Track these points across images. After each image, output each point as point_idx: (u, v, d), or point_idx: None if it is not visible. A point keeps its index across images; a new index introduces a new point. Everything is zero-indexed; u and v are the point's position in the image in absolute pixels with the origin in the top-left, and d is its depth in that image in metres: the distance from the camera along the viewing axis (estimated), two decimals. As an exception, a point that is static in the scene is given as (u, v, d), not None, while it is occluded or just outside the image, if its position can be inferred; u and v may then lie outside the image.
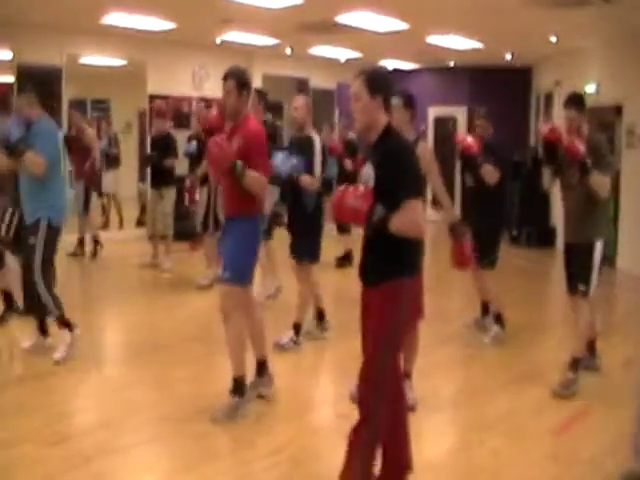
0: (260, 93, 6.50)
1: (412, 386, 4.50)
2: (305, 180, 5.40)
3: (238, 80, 4.21)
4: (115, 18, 9.29)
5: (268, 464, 3.77)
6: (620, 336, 6.60)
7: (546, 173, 5.12)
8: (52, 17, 9.39)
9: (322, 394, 5.19)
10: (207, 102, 9.15)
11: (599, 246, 4.87)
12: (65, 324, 5.26)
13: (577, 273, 4.95)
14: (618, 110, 10.08)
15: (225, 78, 4.24)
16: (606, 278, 6.73)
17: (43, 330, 5.47)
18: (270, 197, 6.29)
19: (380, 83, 3.18)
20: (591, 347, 5.34)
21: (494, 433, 4.32)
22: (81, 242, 9.53)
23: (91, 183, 9.41)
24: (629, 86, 9.58)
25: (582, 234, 4.90)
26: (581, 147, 4.62)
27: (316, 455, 3.91)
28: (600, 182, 4.65)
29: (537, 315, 7.51)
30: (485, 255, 5.92)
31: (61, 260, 9.01)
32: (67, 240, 9.49)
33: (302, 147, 5.47)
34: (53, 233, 5.18)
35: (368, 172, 3.16)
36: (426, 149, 4.67)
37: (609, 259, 7.90)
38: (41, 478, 3.59)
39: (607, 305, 7.51)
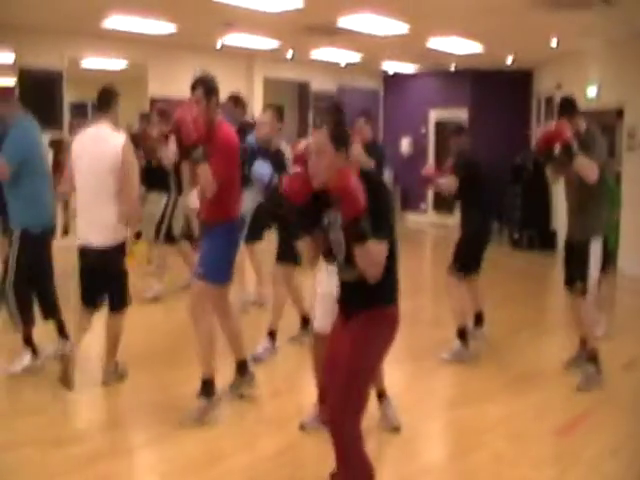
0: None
1: (391, 403, 4.37)
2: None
3: (206, 88, 4.21)
4: (116, 21, 9.31)
5: (271, 466, 3.78)
6: (621, 338, 6.59)
7: (548, 170, 5.23)
8: (53, 20, 9.41)
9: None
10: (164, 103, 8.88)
11: (595, 243, 4.92)
12: (29, 344, 5.08)
13: (574, 270, 5.03)
14: (619, 113, 10.08)
15: (193, 87, 4.22)
16: (608, 280, 6.73)
17: (63, 334, 5.31)
18: (251, 201, 6.29)
19: (344, 133, 3.02)
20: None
21: (495, 435, 4.31)
22: None
23: None
24: (630, 89, 9.58)
25: (579, 231, 4.98)
26: (567, 131, 4.69)
27: (319, 457, 3.89)
28: (586, 164, 4.65)
29: (538, 317, 7.51)
30: (461, 261, 5.83)
31: (70, 265, 9.11)
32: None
33: (274, 162, 5.26)
34: (30, 241, 4.91)
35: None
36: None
37: (612, 259, 7.87)
38: (43, 480, 3.59)
39: (609, 307, 7.50)
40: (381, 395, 4.29)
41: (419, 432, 4.43)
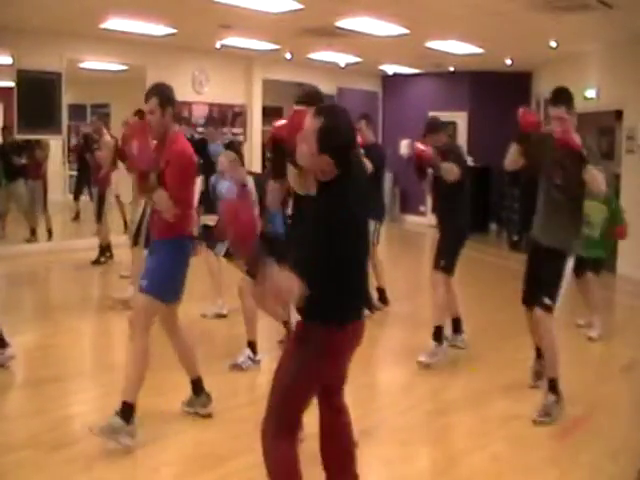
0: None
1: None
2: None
3: (161, 98, 3.98)
4: (115, 23, 9.30)
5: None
6: (620, 340, 6.60)
7: (512, 151, 4.76)
8: (52, 22, 9.40)
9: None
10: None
11: (570, 262, 4.49)
12: None
13: (543, 284, 4.53)
14: (618, 115, 10.09)
15: (147, 96, 3.99)
16: (606, 282, 6.74)
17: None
18: None
19: (334, 141, 2.75)
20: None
21: (494, 438, 4.31)
22: (102, 249, 9.42)
23: (105, 190, 9.16)
24: (629, 91, 9.58)
25: (559, 240, 4.49)
26: (578, 139, 4.28)
27: (316, 459, 3.88)
28: (595, 175, 4.23)
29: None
30: (448, 259, 5.69)
31: (68, 269, 9.12)
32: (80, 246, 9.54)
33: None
34: None
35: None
36: None
37: (608, 265, 7.88)
38: (41, 483, 3.59)
39: (607, 310, 7.50)
40: None
41: (417, 434, 4.43)
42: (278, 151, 3.47)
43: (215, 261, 6.86)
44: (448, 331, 5.90)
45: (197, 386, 4.39)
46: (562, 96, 4.53)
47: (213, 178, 6.37)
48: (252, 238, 3.90)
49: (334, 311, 2.81)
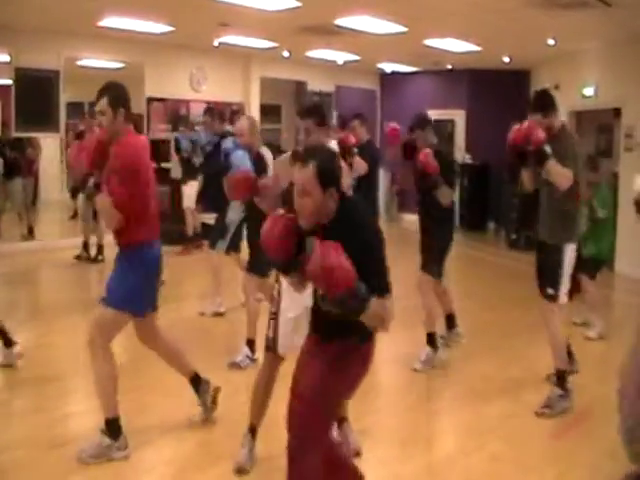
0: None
1: (350, 427, 4.02)
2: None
3: (112, 97, 3.76)
4: (113, 21, 9.28)
5: (266, 469, 3.76)
6: (619, 339, 6.59)
7: (523, 174, 4.79)
8: (50, 20, 9.38)
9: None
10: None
11: (569, 250, 4.57)
12: None
13: (544, 276, 4.67)
14: (617, 113, 10.08)
15: (98, 96, 3.78)
16: (605, 281, 6.73)
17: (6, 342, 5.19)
18: (236, 213, 6.28)
19: (333, 173, 2.72)
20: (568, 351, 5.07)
21: (493, 437, 4.31)
22: (86, 246, 9.44)
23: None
24: (628, 89, 9.58)
25: (553, 235, 4.62)
26: (540, 134, 4.31)
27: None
28: (558, 171, 4.31)
29: (536, 319, 7.47)
30: (437, 262, 5.62)
31: (64, 267, 9.10)
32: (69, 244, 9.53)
33: (256, 166, 5.17)
34: None
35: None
36: None
37: (607, 263, 7.87)
38: (39, 482, 3.58)
39: (606, 308, 7.50)
40: (341, 421, 3.96)
41: (416, 433, 4.43)
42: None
43: (217, 258, 6.84)
44: (443, 330, 5.86)
45: (197, 382, 4.31)
46: (537, 103, 4.63)
47: (228, 146, 6.35)
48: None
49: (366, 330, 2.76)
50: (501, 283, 8.96)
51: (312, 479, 2.86)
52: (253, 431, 3.80)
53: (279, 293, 3.66)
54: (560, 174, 4.33)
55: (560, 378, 4.61)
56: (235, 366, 5.32)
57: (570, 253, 4.57)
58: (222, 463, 3.83)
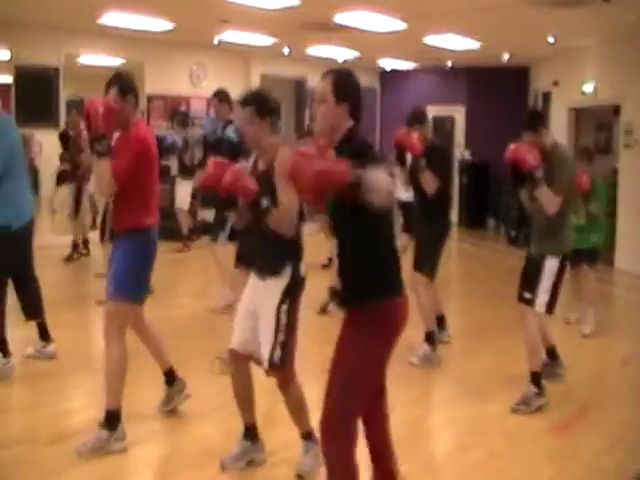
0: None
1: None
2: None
3: (121, 86, 3.90)
4: (113, 18, 9.29)
5: (265, 465, 3.77)
6: (617, 334, 6.61)
7: (522, 195, 4.89)
8: (50, 17, 9.39)
9: (315, 398, 5.18)
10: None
11: (550, 262, 4.62)
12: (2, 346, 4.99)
13: (525, 280, 4.77)
14: (616, 110, 10.09)
15: (107, 86, 3.91)
16: (604, 277, 6.74)
17: (43, 336, 5.31)
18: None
19: (349, 89, 2.92)
20: (551, 353, 5.20)
21: (492, 434, 4.32)
22: (75, 246, 9.38)
23: (82, 186, 9.01)
24: (627, 86, 9.58)
25: (536, 246, 4.74)
26: (531, 159, 4.42)
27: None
28: (546, 197, 4.46)
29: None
30: (432, 261, 5.63)
31: (56, 264, 9.10)
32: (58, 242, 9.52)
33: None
34: (9, 240, 4.80)
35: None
36: None
37: (606, 258, 7.88)
38: (38, 478, 3.59)
39: (605, 304, 7.51)
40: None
41: (415, 430, 4.44)
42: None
43: (221, 252, 6.82)
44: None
45: (171, 377, 4.39)
46: (528, 121, 4.73)
47: (231, 136, 6.32)
48: None
49: (393, 280, 2.88)
50: (501, 280, 8.94)
51: (343, 464, 2.83)
52: (251, 431, 3.79)
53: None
54: (548, 200, 4.46)
55: (535, 379, 4.70)
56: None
57: (551, 265, 4.62)
58: (218, 460, 3.84)
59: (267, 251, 3.51)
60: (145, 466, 3.89)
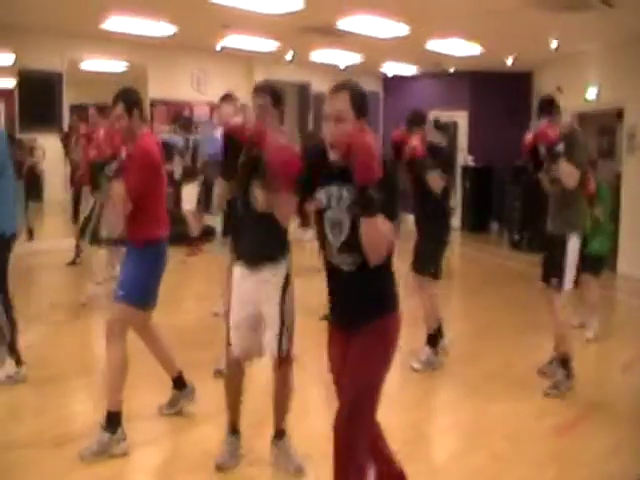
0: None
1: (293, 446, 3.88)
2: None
3: (127, 102, 3.98)
4: (116, 23, 9.31)
5: (266, 467, 3.78)
6: (620, 339, 6.60)
7: (543, 179, 5.12)
8: (53, 22, 9.42)
9: (315, 402, 5.18)
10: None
11: (573, 240, 4.89)
12: (14, 354, 4.96)
13: (550, 266, 5.01)
14: (619, 114, 10.09)
15: (114, 102, 3.99)
16: (607, 282, 6.74)
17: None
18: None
19: (365, 104, 2.82)
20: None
21: (495, 436, 4.32)
22: (78, 250, 9.37)
23: (80, 190, 9.06)
24: (630, 90, 9.59)
25: (558, 226, 4.97)
26: (552, 134, 4.70)
27: (312, 460, 3.90)
28: (567, 171, 4.71)
29: (537, 318, 7.48)
30: (435, 264, 5.64)
31: (59, 268, 9.12)
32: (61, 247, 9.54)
33: None
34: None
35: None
36: None
37: (609, 263, 7.87)
38: (42, 480, 3.60)
39: (607, 308, 7.51)
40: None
41: (418, 433, 4.44)
42: (232, 148, 3.50)
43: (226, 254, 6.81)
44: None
45: (180, 381, 4.45)
46: (544, 107, 4.96)
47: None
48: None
49: (397, 293, 2.99)
50: (504, 283, 8.96)
51: (360, 467, 2.88)
52: (234, 429, 3.85)
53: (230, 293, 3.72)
54: (568, 174, 4.73)
55: (564, 364, 4.99)
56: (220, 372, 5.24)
57: (573, 243, 4.88)
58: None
59: (262, 241, 3.56)
60: (146, 469, 3.90)
